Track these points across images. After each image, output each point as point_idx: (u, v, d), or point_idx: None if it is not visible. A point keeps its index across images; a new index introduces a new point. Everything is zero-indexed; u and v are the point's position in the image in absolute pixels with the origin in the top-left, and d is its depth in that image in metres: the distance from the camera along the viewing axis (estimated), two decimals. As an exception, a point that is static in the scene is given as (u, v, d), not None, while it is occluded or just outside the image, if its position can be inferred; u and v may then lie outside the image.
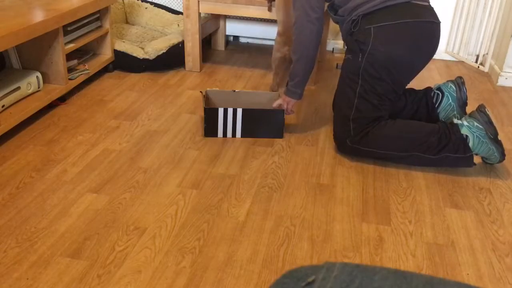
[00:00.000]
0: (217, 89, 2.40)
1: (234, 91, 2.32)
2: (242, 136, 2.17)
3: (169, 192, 1.78)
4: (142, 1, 3.40)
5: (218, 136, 2.16)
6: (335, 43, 3.55)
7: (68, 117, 2.30)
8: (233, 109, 2.12)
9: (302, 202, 1.76)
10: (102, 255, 1.45)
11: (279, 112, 2.15)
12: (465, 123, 1.91)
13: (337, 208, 1.74)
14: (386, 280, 0.60)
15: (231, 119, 2.14)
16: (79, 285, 1.34)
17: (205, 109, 2.12)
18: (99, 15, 2.73)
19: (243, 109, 2.13)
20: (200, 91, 2.34)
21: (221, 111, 2.12)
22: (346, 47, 2.11)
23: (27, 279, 1.36)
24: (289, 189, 1.83)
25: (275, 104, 2.16)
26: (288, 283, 0.62)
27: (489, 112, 1.95)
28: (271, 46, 3.60)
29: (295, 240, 1.56)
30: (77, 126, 2.22)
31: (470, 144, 1.90)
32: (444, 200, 1.81)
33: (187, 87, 2.71)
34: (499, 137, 1.96)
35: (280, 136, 2.19)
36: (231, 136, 2.17)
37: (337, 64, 3.19)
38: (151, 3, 3.41)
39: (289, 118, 2.37)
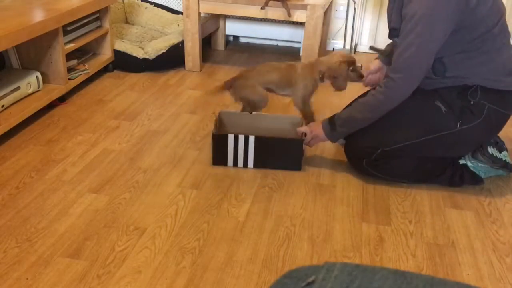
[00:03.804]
0: (232, 110, 2.13)
1: (251, 113, 2.07)
2: (254, 167, 1.94)
3: (169, 192, 1.77)
4: (142, 1, 3.40)
5: (228, 165, 1.94)
6: (335, 43, 3.55)
7: (68, 117, 2.30)
8: (245, 136, 1.89)
9: (302, 202, 1.76)
10: (102, 255, 1.45)
11: (298, 142, 1.91)
12: (469, 163, 1.90)
13: (337, 208, 1.74)
14: (386, 280, 0.60)
15: (242, 147, 1.90)
16: (79, 285, 1.34)
17: (213, 136, 1.89)
18: (99, 15, 2.73)
19: (255, 137, 1.89)
20: (213, 113, 2.04)
21: (231, 138, 1.90)
22: (434, 94, 1.79)
23: (27, 279, 1.36)
24: (289, 189, 1.83)
25: (299, 131, 1.94)
26: (288, 283, 0.62)
27: (492, 151, 1.88)
28: (271, 46, 3.61)
29: (295, 240, 1.56)
30: (77, 126, 2.21)
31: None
32: (444, 200, 1.81)
33: (187, 87, 2.71)
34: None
35: (298, 168, 1.94)
36: (242, 166, 1.94)
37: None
38: (151, 3, 3.41)
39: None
